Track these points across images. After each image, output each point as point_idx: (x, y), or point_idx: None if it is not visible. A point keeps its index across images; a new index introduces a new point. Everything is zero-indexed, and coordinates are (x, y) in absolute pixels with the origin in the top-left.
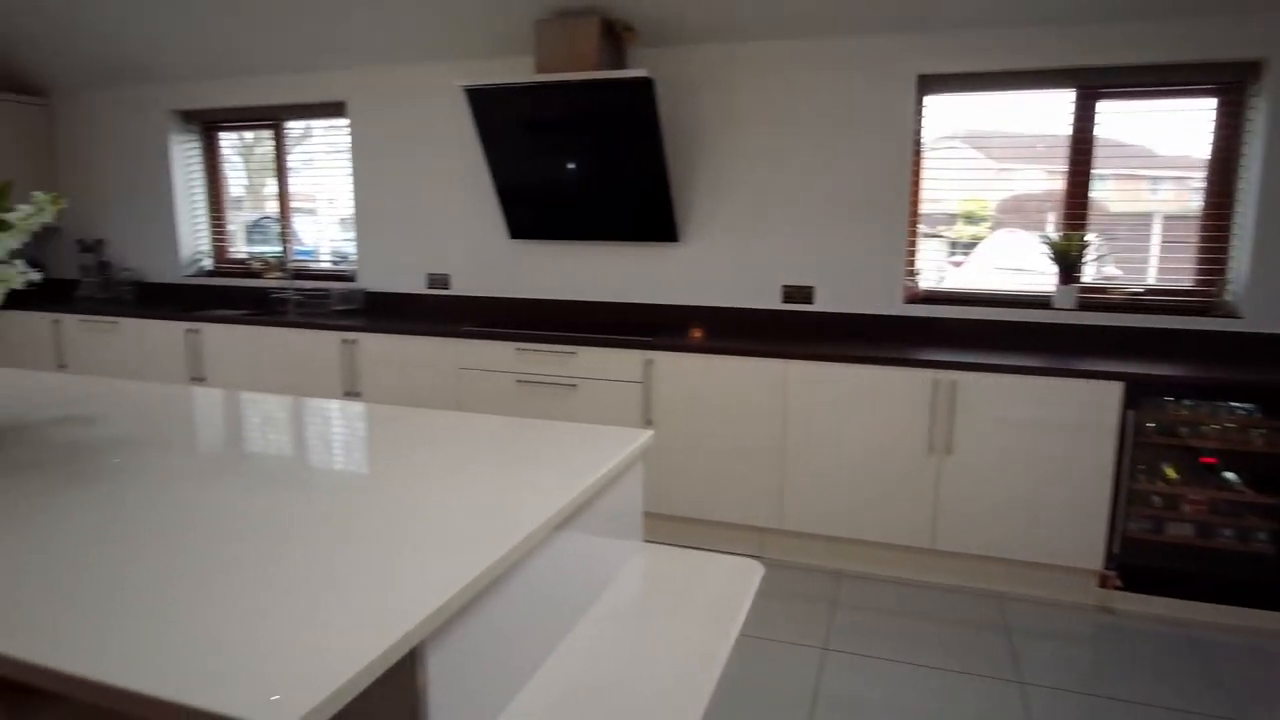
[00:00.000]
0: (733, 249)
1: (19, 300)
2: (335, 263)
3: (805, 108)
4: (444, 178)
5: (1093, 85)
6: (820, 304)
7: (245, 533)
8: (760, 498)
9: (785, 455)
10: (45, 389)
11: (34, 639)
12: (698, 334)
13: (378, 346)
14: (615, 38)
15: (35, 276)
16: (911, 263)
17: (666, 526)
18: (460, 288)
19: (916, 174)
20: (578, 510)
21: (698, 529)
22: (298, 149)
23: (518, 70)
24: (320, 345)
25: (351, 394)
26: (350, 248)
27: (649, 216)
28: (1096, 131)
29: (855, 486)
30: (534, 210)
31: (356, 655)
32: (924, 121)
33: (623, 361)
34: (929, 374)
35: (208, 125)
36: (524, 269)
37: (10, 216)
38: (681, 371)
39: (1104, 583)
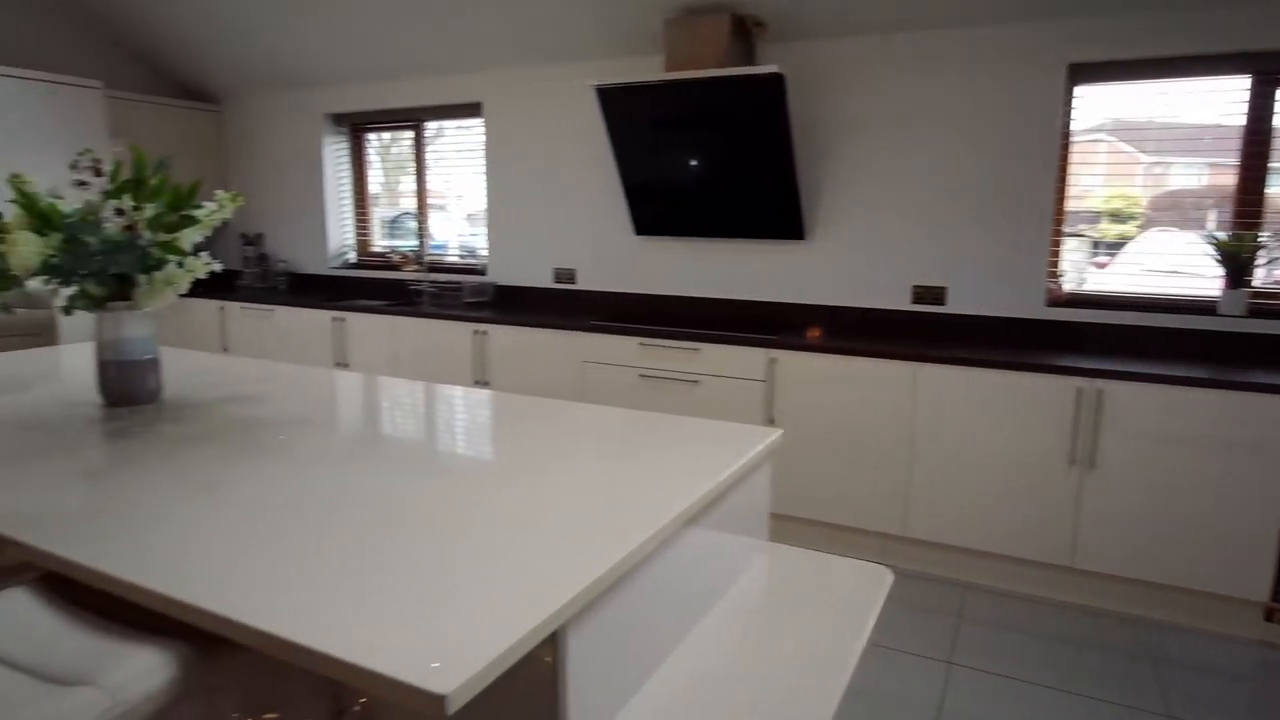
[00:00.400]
0: (861, 247)
1: (193, 288)
2: (462, 257)
3: (942, 101)
4: (572, 175)
5: (1271, 70)
6: (953, 305)
7: (398, 511)
8: (884, 503)
9: (912, 461)
10: (216, 369)
11: (219, 594)
12: (821, 334)
13: (506, 338)
14: (745, 33)
15: (217, 266)
16: (1054, 263)
17: (786, 527)
18: (586, 282)
19: (1063, 169)
20: (708, 506)
21: (817, 531)
22: (429, 148)
23: (647, 69)
24: (453, 335)
25: (481, 383)
26: (476, 242)
27: (775, 214)
28: (1276, 121)
29: (986, 496)
30: (660, 207)
31: (506, 632)
32: (1073, 114)
33: (746, 359)
34: (1072, 382)
35: (355, 127)
36: (648, 265)
37: (198, 213)
38: (806, 371)
39: (1271, 616)
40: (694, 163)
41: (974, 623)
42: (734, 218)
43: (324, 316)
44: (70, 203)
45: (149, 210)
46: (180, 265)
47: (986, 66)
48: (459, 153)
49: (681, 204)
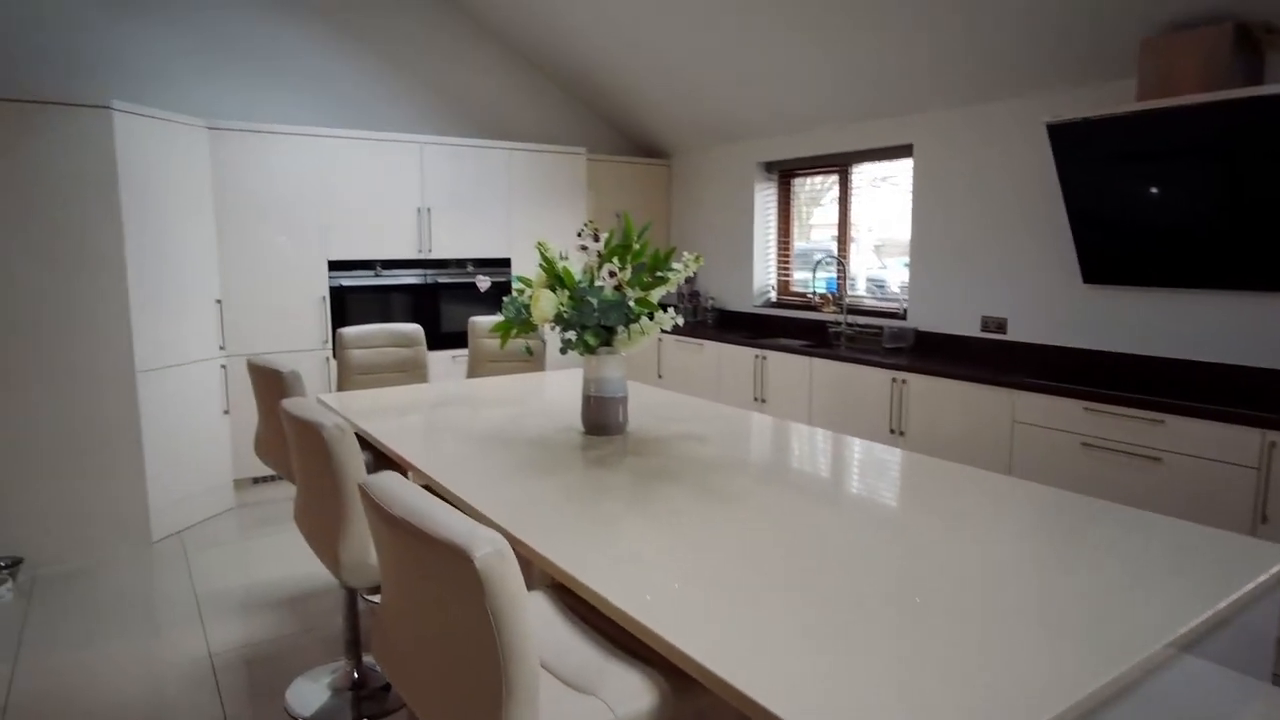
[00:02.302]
0: None
1: None
2: (873, 296)
3: None
4: (1007, 217)
5: None
6: None
7: (852, 582)
8: None
9: None
10: (666, 405)
11: (689, 636)
12: None
13: (926, 388)
14: (1252, 45)
15: (679, 321)
16: None
17: None
18: (1018, 333)
19: None
20: (1205, 633)
21: None
22: (835, 190)
23: (1106, 98)
24: (870, 381)
25: (896, 432)
26: (884, 275)
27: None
28: None
29: None
30: (1117, 252)
31: None
32: None
33: (1231, 438)
34: None
35: (784, 173)
36: (1098, 317)
37: (669, 273)
38: None
39: None
40: (1168, 202)
41: None
42: (1218, 265)
43: (747, 353)
44: (573, 263)
45: (628, 271)
46: (651, 318)
47: None
48: (872, 186)
49: (1146, 249)
